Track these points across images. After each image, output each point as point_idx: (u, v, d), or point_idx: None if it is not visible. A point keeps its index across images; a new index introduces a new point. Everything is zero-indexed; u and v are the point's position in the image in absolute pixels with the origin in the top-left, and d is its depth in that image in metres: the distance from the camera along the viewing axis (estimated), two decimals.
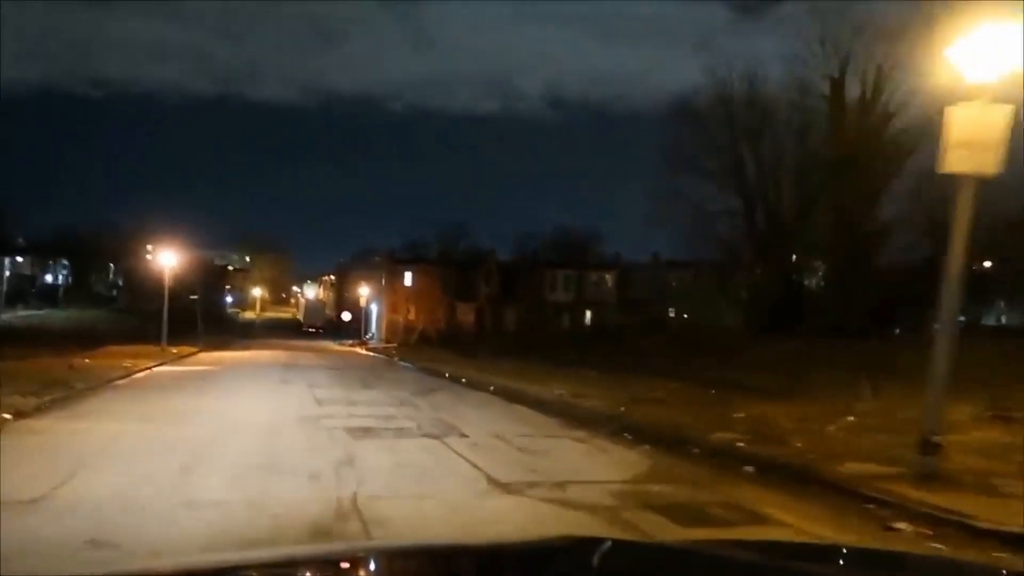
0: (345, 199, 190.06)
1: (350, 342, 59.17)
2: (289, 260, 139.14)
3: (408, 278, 62.59)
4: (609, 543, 2.39)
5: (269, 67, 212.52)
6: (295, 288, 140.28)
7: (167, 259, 37.46)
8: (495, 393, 19.59)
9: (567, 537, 2.70)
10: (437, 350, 45.26)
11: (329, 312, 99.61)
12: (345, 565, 2.26)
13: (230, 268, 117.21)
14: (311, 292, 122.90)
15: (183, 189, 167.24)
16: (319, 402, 16.55)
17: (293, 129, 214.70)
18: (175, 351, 33.76)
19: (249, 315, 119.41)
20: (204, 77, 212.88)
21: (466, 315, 58.86)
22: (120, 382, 19.89)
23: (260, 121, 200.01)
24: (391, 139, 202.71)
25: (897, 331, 37.51)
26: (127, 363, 24.97)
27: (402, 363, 35.10)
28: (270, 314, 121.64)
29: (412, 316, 59.36)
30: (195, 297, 75.71)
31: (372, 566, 2.25)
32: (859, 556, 2.72)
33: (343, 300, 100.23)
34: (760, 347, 28.63)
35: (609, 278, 65.35)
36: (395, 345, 52.95)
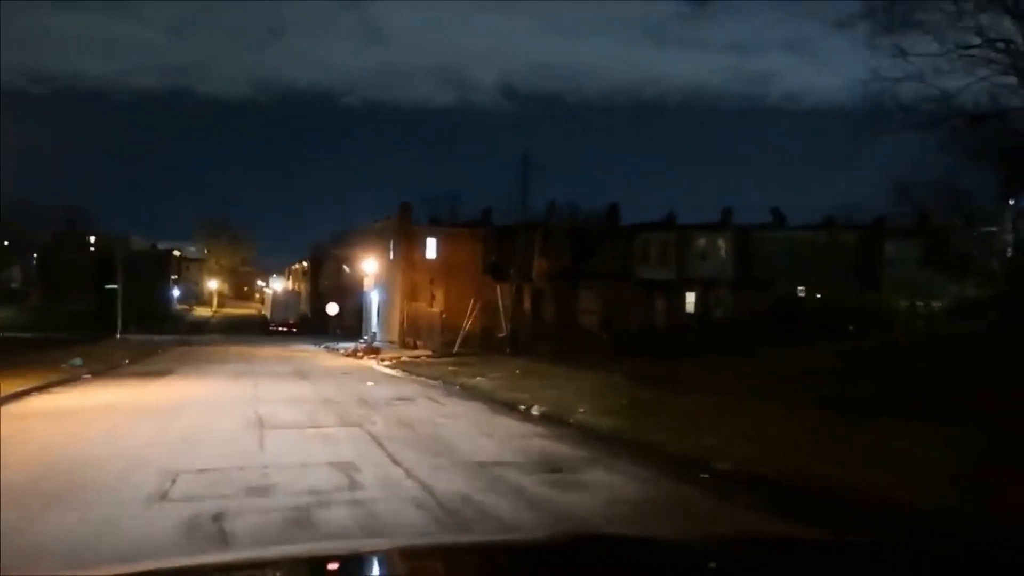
0: (302, 196, 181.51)
1: (346, 348, 37.60)
2: (252, 248, 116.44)
3: (431, 247, 41.22)
4: (615, 540, 2.70)
5: (218, 61, 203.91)
6: (260, 283, 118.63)
7: None
8: None
9: (571, 534, 2.93)
10: (526, 362, 24.40)
11: (303, 307, 77.72)
12: (345, 564, 2.21)
13: (176, 253, 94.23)
14: (279, 284, 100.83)
15: (134, 187, 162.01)
16: None
17: (246, 125, 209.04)
18: None
19: (202, 312, 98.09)
20: (151, 72, 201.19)
21: (511, 299, 37.39)
22: None
23: (212, 116, 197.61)
24: (346, 134, 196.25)
25: None
26: None
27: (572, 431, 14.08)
28: (230, 310, 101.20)
29: (439, 303, 38.24)
30: (112, 287, 54.05)
31: (377, 565, 2.25)
32: (863, 552, 2.56)
33: (322, 290, 78.41)
34: None
35: (723, 245, 44.62)
36: (428, 353, 31.60)
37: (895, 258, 46.21)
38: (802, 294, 45.54)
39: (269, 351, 36.26)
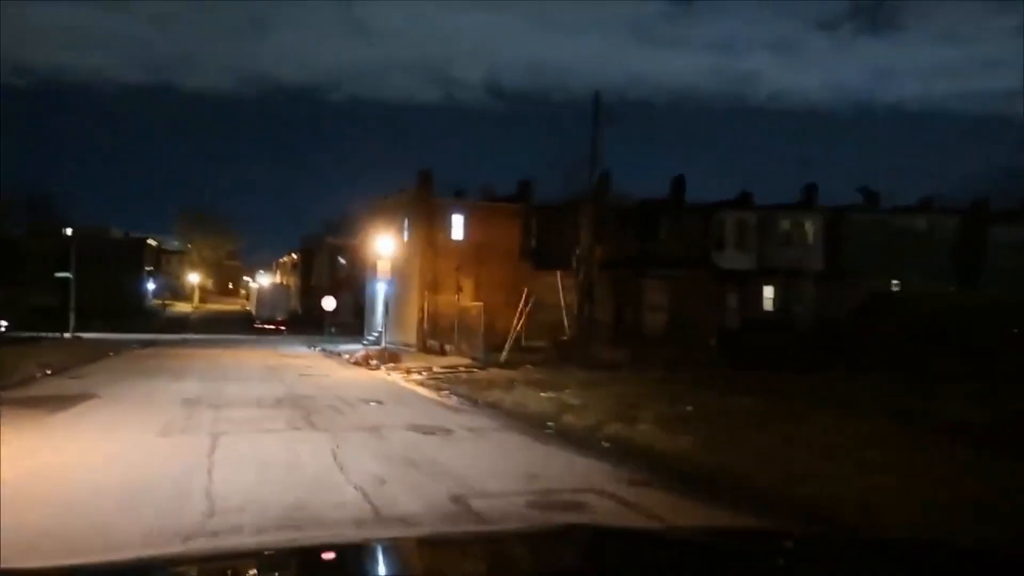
0: (289, 193, 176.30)
1: (350, 352, 29.28)
2: (238, 240, 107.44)
3: (458, 226, 32.82)
4: (607, 530, 2.77)
5: (203, 56, 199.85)
6: (247, 279, 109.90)
7: None
8: None
9: (567, 525, 2.87)
10: (649, 380, 16.21)
11: (293, 303, 69.32)
12: (342, 555, 2.17)
13: (152, 243, 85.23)
14: (265, 280, 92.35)
15: (116, 182, 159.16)
16: None
17: (231, 120, 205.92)
18: None
19: (183, 308, 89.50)
20: (135, 66, 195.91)
21: (578, 293, 28.77)
22: None
23: (196, 111, 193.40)
24: (333, 130, 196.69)
25: None
26: None
27: None
28: (214, 306, 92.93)
29: (467, 296, 29.98)
30: (64, 275, 45.57)
31: (375, 556, 2.20)
32: (861, 546, 2.57)
33: (314, 284, 69.88)
34: None
35: (810, 228, 36.46)
36: (466, 362, 23.36)
37: (1002, 244, 38.51)
38: (896, 288, 37.60)
39: (252, 357, 27.88)
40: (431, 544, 2.39)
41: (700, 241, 34.17)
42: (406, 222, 33.13)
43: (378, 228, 37.09)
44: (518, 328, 23.89)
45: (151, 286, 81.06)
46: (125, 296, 69.67)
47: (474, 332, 24.88)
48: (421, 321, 31.67)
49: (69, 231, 75.88)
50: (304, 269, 77.41)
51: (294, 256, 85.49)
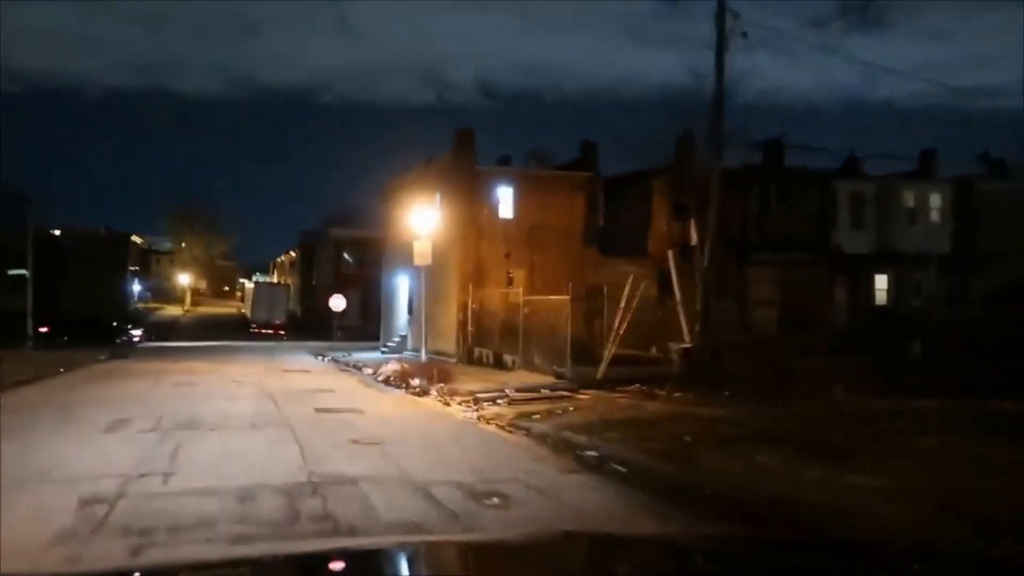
0: (282, 196, 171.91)
1: (368, 363, 22.12)
2: (233, 238, 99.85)
3: (507, 200, 25.63)
4: (599, 537, 2.68)
5: (192, 59, 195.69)
6: (242, 280, 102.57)
7: None
8: None
9: (560, 532, 2.75)
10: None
11: (292, 304, 62.29)
12: (338, 562, 2.14)
13: (137, 240, 77.79)
14: (262, 280, 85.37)
15: (106, 185, 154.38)
16: None
17: (222, 123, 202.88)
18: None
19: (173, 311, 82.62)
20: (124, 69, 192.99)
21: (702, 287, 21.17)
22: None
23: (186, 115, 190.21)
24: (325, 132, 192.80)
25: None
26: None
27: None
28: (207, 309, 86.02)
29: (515, 288, 22.92)
30: (19, 273, 38.63)
31: (372, 563, 2.16)
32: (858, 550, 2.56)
33: (315, 283, 62.63)
34: None
35: (936, 202, 29.33)
36: (550, 381, 16.26)
37: None
38: None
39: (244, 373, 20.65)
40: (426, 552, 2.29)
41: (811, 218, 27.02)
42: (438, 198, 25.93)
43: (401, 207, 30.01)
44: (619, 332, 16.78)
45: (136, 287, 73.78)
46: (105, 298, 62.43)
47: (555, 339, 17.73)
48: (463, 323, 24.52)
49: (59, 232, 68.98)
50: (304, 267, 70.10)
51: (292, 254, 78.16)
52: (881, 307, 29.75)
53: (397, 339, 32.30)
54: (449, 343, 25.18)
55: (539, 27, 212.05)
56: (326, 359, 28.80)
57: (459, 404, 14.09)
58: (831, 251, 27.13)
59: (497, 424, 11.58)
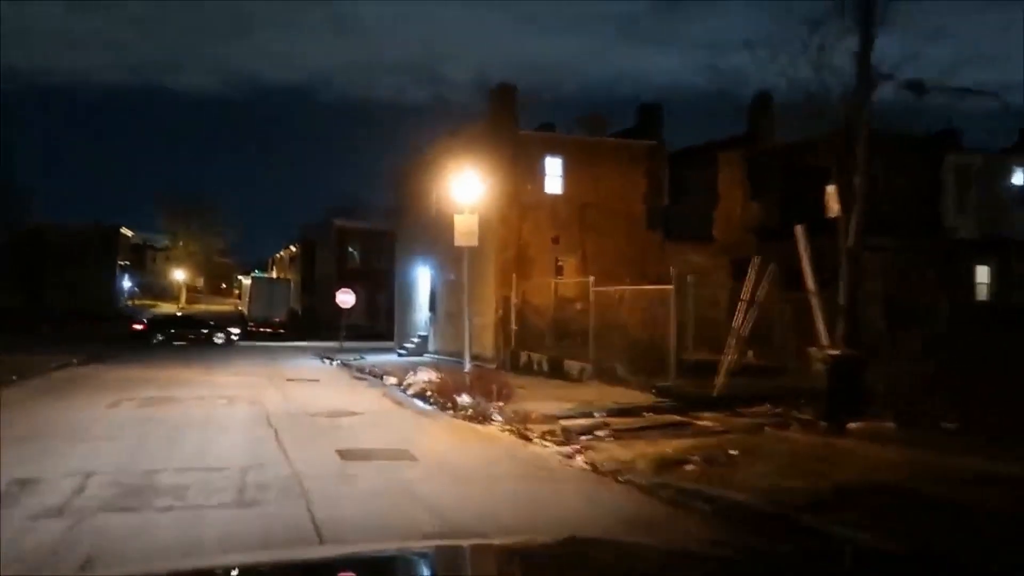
0: (281, 195, 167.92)
1: (407, 374, 17.68)
2: (232, 231, 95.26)
3: (554, 176, 21.28)
4: (609, 544, 2.65)
5: (188, 57, 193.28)
6: (240, 277, 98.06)
7: None
8: None
9: (568, 539, 2.59)
10: None
11: (293, 302, 57.98)
12: (344, 567, 2.12)
13: (127, 233, 73.24)
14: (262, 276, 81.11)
15: (103, 184, 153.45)
16: None
17: (219, 120, 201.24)
18: None
19: (167, 308, 78.29)
20: (121, 68, 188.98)
21: (853, 279, 16.90)
22: None
23: (184, 112, 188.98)
24: (321, 130, 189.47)
25: None
26: None
27: None
28: (203, 306, 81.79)
29: (570, 280, 18.69)
30: None
31: (378, 567, 2.13)
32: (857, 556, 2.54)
33: (318, 279, 58.29)
34: None
35: None
36: (649, 401, 11.91)
37: None
38: None
39: (237, 384, 16.31)
40: (431, 557, 2.24)
41: (917, 197, 22.67)
42: (471, 163, 21.53)
43: (421, 189, 25.67)
44: (742, 334, 12.46)
45: (126, 284, 69.30)
46: (91, 296, 58.02)
47: (638, 341, 13.34)
48: (503, 321, 20.12)
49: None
50: (305, 262, 65.75)
51: (292, 248, 73.80)
52: (982, 302, 25.55)
53: (416, 340, 27.97)
54: (485, 345, 20.76)
55: (536, 25, 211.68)
56: (335, 363, 24.49)
57: (541, 437, 9.75)
58: (942, 236, 22.81)
59: (636, 484, 7.19)
